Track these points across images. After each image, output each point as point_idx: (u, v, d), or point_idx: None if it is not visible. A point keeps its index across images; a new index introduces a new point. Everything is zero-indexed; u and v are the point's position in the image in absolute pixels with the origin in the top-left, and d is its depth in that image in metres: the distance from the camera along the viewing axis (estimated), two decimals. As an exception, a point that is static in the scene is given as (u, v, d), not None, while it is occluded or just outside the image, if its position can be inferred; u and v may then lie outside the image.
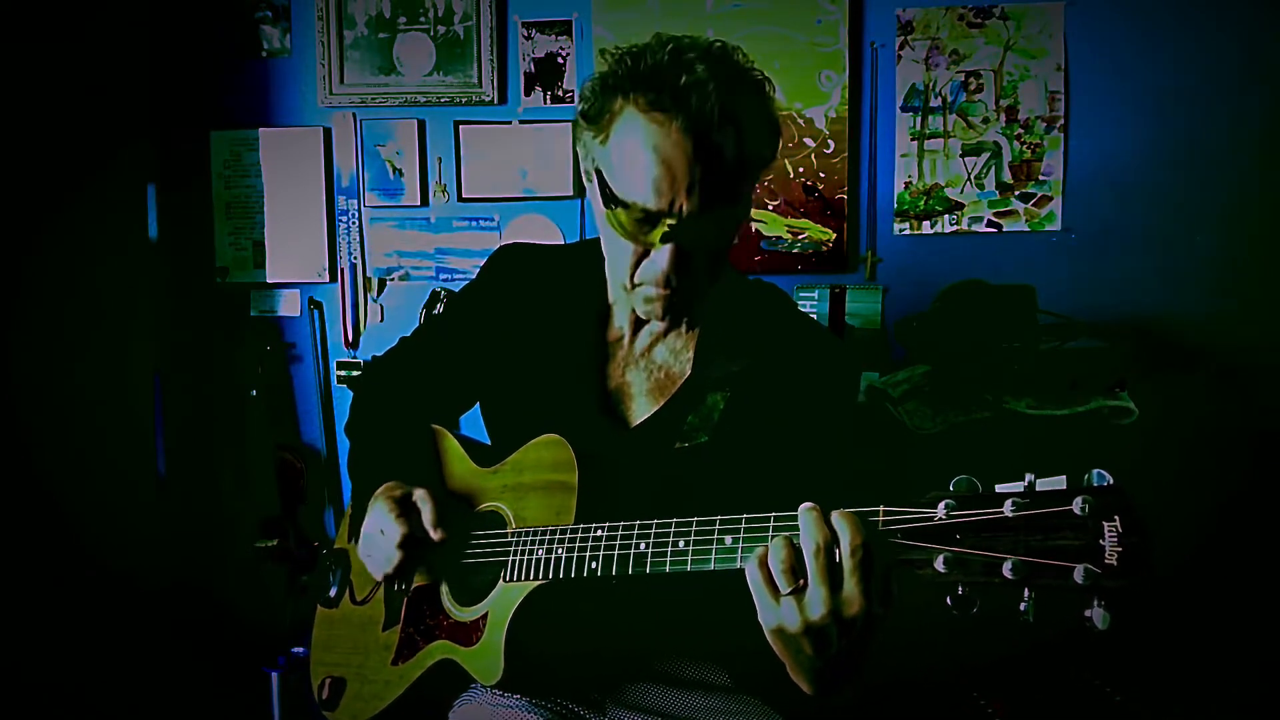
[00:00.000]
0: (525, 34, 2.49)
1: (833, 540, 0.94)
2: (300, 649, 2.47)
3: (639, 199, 1.11)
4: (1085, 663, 1.94)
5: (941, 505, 0.88)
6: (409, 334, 1.57)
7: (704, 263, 1.17)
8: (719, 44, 1.15)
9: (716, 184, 1.10)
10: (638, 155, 1.10)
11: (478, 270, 1.46)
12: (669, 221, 1.11)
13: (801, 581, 0.94)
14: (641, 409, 1.29)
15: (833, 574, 0.93)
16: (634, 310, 1.24)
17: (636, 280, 1.18)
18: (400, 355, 1.54)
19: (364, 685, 1.35)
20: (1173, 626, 1.90)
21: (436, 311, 2.35)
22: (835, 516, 0.94)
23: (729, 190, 1.12)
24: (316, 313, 2.57)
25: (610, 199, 1.14)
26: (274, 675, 2.44)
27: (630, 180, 1.11)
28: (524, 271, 1.40)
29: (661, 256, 1.14)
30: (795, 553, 0.95)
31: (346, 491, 2.59)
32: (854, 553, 0.93)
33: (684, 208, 1.10)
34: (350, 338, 2.57)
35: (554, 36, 2.49)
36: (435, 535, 1.24)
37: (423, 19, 2.51)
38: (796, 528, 0.95)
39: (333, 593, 1.46)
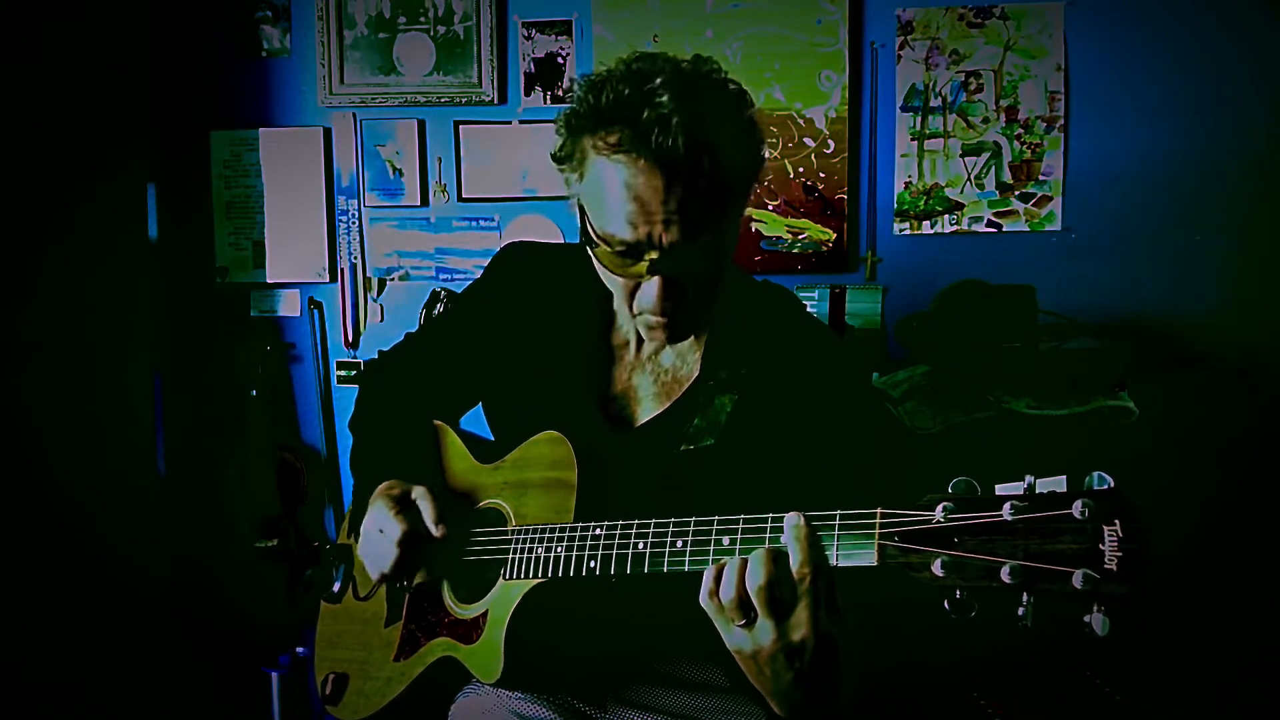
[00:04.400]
0: (525, 34, 2.49)
1: (777, 574, 0.94)
2: (301, 649, 2.48)
3: (617, 233, 1.10)
4: (1086, 663, 1.93)
5: (939, 508, 0.88)
6: (414, 330, 1.57)
7: (698, 285, 1.15)
8: (688, 63, 1.12)
9: (695, 212, 1.07)
10: (610, 192, 1.09)
11: (481, 269, 1.45)
12: (650, 255, 1.09)
13: (753, 614, 0.95)
14: (648, 412, 1.28)
15: (776, 607, 0.94)
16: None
17: (635, 311, 1.17)
18: (404, 352, 1.54)
19: (366, 681, 1.36)
20: (1173, 626, 1.89)
21: (437, 311, 2.35)
22: (789, 536, 0.95)
23: (710, 215, 1.09)
24: (316, 313, 2.57)
25: (591, 239, 1.13)
26: (274, 675, 2.45)
27: (606, 216, 1.10)
28: (529, 270, 1.39)
29: (651, 288, 1.12)
30: (744, 585, 0.95)
31: (346, 491, 2.59)
32: (801, 580, 0.93)
33: (663, 239, 1.08)
34: (350, 338, 2.57)
35: (554, 36, 2.48)
36: (437, 531, 1.24)
37: (423, 19, 2.50)
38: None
39: (336, 588, 1.47)
